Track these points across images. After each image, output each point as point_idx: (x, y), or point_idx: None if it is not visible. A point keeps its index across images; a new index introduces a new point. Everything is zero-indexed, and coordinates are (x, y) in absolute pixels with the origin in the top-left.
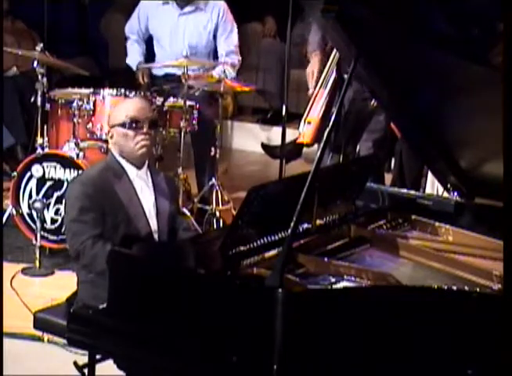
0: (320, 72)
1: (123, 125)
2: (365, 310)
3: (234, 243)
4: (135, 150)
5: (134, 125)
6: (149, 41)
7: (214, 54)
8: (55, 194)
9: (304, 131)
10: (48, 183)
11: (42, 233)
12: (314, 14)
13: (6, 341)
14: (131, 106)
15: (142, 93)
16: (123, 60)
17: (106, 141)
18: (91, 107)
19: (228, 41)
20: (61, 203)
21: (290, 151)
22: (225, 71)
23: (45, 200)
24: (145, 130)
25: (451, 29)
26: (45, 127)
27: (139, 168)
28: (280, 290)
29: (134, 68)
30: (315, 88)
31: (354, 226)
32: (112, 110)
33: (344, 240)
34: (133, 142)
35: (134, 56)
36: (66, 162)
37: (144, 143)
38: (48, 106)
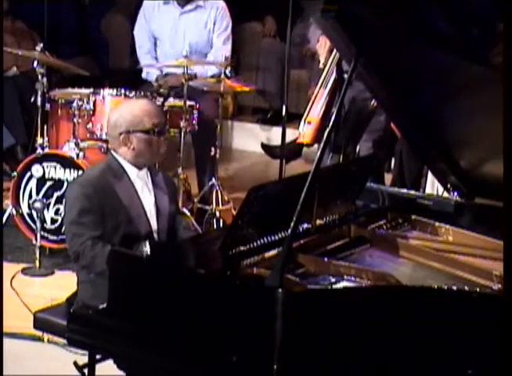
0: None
1: (148, 132)
2: (365, 310)
3: (234, 243)
4: (157, 154)
5: (159, 132)
6: None
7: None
8: (55, 194)
9: (304, 131)
10: (48, 183)
11: (42, 233)
12: (314, 14)
13: (6, 341)
14: (153, 112)
15: (142, 93)
16: (123, 60)
17: (106, 141)
18: (91, 107)
19: (221, 39)
20: (61, 203)
21: (290, 151)
22: (225, 72)
23: (45, 200)
24: (166, 136)
25: (451, 29)
26: (45, 127)
27: (140, 168)
28: (280, 290)
29: (153, 82)
30: (326, 61)
31: (354, 226)
32: (125, 114)
33: (344, 240)
34: (156, 148)
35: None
36: (66, 162)
37: (165, 148)
38: (48, 106)
